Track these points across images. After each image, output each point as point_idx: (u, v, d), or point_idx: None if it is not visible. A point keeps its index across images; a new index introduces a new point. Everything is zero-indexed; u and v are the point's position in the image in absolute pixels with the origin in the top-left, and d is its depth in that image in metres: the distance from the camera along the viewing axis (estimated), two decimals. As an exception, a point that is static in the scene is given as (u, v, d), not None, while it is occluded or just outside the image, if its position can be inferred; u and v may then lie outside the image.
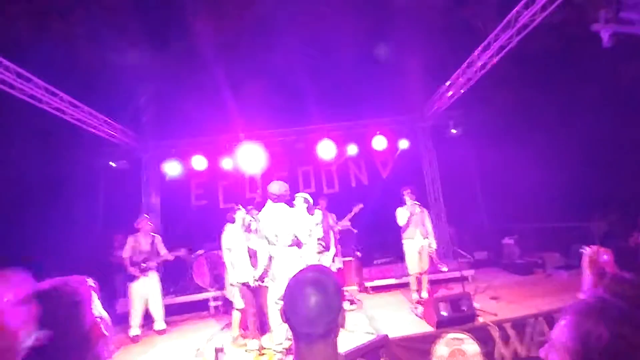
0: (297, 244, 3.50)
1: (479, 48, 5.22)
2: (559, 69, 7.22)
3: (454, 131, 7.48)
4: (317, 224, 4.49)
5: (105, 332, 0.84)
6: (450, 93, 6.50)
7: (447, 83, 6.39)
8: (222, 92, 6.99)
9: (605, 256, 1.48)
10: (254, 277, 4.02)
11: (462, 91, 6.24)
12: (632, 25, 3.47)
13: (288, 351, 3.52)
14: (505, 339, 3.51)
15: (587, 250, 1.51)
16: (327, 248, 4.59)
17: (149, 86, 7.59)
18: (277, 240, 3.53)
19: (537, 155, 7.76)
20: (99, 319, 0.83)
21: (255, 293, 4.21)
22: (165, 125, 7.57)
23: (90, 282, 0.87)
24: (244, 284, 4.09)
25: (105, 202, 7.49)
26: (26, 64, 4.49)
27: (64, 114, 5.21)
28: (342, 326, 0.88)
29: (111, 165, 7.13)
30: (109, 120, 6.15)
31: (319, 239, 4.39)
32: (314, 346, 0.83)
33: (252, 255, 4.20)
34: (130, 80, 7.14)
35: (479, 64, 5.40)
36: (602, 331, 0.64)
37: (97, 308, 0.84)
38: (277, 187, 3.65)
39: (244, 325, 4.48)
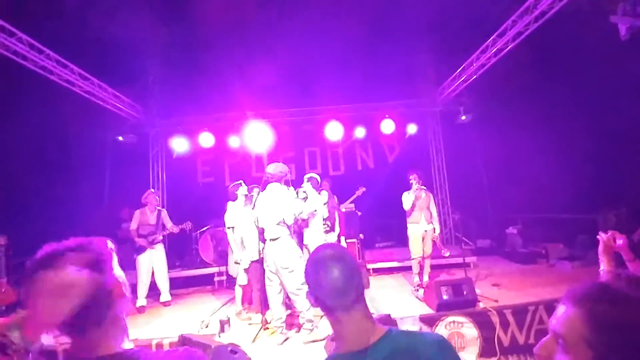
0: (284, 224, 3.54)
1: (495, 34, 5.06)
2: (576, 59, 6.98)
3: (463, 117, 7.36)
4: (324, 204, 4.51)
5: (126, 293, 0.85)
6: (462, 78, 6.34)
7: (460, 68, 6.23)
8: (230, 70, 6.89)
9: (620, 241, 1.47)
10: (259, 252, 4.09)
11: (475, 77, 6.09)
12: None
13: (288, 325, 3.60)
14: (505, 325, 3.56)
15: (602, 236, 1.49)
16: (332, 228, 4.62)
17: (158, 61, 7.51)
18: (264, 219, 3.60)
19: (546, 145, 7.63)
20: (120, 280, 0.84)
21: (262, 269, 4.29)
22: (173, 101, 7.52)
23: (110, 244, 0.87)
24: (252, 261, 4.18)
25: (111, 175, 7.57)
26: (37, 35, 4.45)
27: (73, 85, 5.19)
28: (367, 287, 0.94)
29: (118, 140, 7.15)
30: (117, 94, 6.12)
31: (324, 219, 4.42)
32: (352, 313, 0.89)
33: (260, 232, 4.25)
34: (140, 54, 7.06)
35: (494, 49, 5.25)
36: (614, 315, 0.63)
37: (117, 270, 0.85)
38: (272, 167, 3.68)
39: (249, 300, 4.60)
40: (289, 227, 3.56)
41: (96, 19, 5.46)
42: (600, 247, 1.48)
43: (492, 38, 5.17)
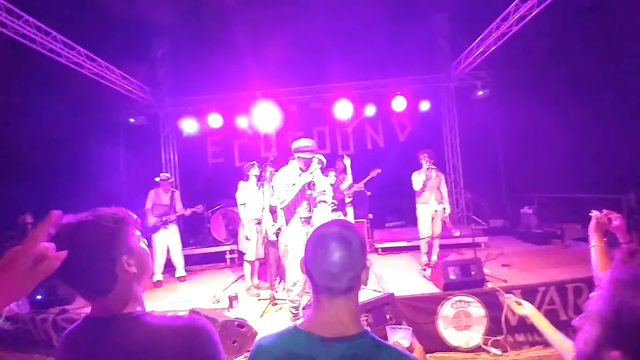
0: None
1: (517, -2, 4.69)
2: (607, 26, 6.45)
3: (480, 93, 7.04)
4: (331, 185, 4.48)
5: (142, 265, 0.88)
6: (480, 50, 5.99)
7: (478, 38, 5.88)
8: (238, 50, 6.77)
9: (617, 221, 1.40)
10: (272, 231, 4.15)
11: (494, 48, 5.74)
12: None
13: (306, 306, 3.59)
14: (513, 305, 3.53)
15: (596, 214, 1.44)
16: (339, 208, 4.62)
17: (166, 42, 7.45)
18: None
19: (568, 122, 7.24)
20: (137, 250, 0.87)
21: (275, 246, 4.38)
22: (181, 82, 7.52)
23: (132, 215, 0.91)
24: (264, 237, 4.27)
25: (125, 156, 7.72)
26: (44, 17, 4.45)
27: (82, 67, 5.23)
28: (365, 283, 0.87)
29: (130, 122, 7.24)
30: (125, 75, 6.14)
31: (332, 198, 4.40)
32: (335, 300, 0.83)
33: (272, 211, 4.31)
34: (148, 35, 7.01)
35: (516, 16, 4.89)
36: (638, 304, 0.60)
37: (136, 240, 0.88)
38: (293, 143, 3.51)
39: (262, 276, 4.73)
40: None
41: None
42: (592, 224, 1.44)
43: (514, 3, 4.80)
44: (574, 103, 7.05)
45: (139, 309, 0.86)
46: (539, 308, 3.50)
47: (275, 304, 3.92)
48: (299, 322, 0.88)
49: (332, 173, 4.60)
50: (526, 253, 5.41)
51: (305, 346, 0.82)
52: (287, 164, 3.50)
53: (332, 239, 0.83)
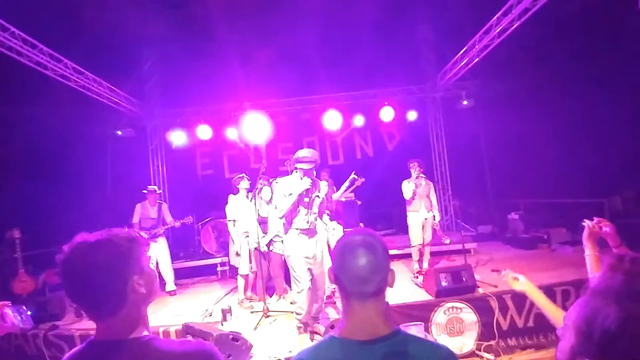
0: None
1: (500, 12, 4.89)
2: (584, 38, 6.77)
3: (465, 103, 7.24)
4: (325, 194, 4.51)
5: (152, 286, 0.88)
6: (464, 61, 6.20)
7: (462, 50, 6.08)
8: (227, 61, 6.81)
9: (607, 229, 1.48)
10: (264, 242, 4.17)
11: (478, 59, 5.95)
12: None
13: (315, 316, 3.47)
14: (504, 310, 3.59)
15: (587, 223, 1.52)
16: (333, 217, 4.63)
17: (153, 54, 7.44)
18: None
19: (550, 129, 7.50)
20: (147, 272, 0.87)
21: (264, 258, 4.36)
22: (169, 93, 7.49)
23: (144, 235, 0.91)
24: (255, 249, 4.25)
25: (113, 169, 7.60)
26: (30, 30, 4.41)
27: (68, 80, 5.18)
28: (391, 285, 0.92)
29: (118, 134, 7.16)
30: (113, 88, 6.09)
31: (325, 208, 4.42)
32: (366, 304, 0.88)
33: (261, 222, 4.30)
34: (135, 47, 7.00)
35: (498, 29, 5.09)
36: (610, 311, 0.62)
37: (145, 261, 0.88)
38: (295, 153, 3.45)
39: (253, 288, 4.69)
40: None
41: (89, 11, 5.40)
42: (585, 233, 1.51)
43: (496, 17, 5.00)
44: (555, 112, 7.33)
45: (146, 332, 0.86)
46: (529, 311, 3.58)
47: (269, 315, 3.88)
48: (332, 332, 0.92)
49: (324, 183, 4.62)
50: (514, 258, 5.52)
51: (344, 352, 0.85)
52: (279, 175, 3.54)
53: (359, 245, 0.88)
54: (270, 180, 4.53)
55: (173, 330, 3.52)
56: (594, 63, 6.75)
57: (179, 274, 5.83)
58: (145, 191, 5.23)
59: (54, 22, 4.93)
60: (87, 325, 3.83)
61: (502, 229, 7.15)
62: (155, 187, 5.45)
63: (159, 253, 5.11)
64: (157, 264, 5.12)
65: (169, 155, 7.62)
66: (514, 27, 4.91)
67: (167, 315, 4.31)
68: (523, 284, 1.55)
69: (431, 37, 7.73)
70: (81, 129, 6.88)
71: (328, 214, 4.48)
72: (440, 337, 3.52)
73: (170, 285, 5.24)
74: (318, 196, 3.41)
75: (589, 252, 1.48)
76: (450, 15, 6.35)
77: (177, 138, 7.10)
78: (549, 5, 4.37)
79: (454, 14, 6.18)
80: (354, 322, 0.89)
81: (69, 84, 5.19)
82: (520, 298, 3.59)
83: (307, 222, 3.29)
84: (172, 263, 5.40)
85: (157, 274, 4.62)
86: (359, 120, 7.35)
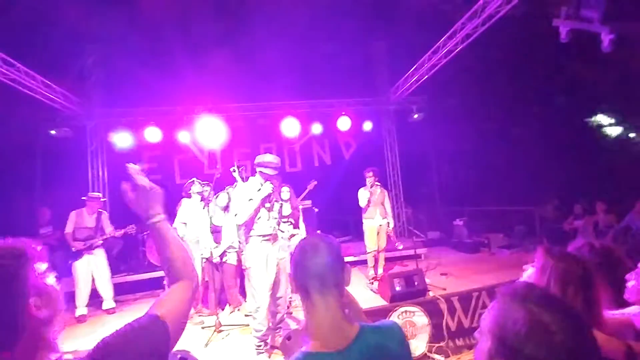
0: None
1: (445, 35, 5.32)
2: (520, 60, 7.60)
3: (416, 116, 7.67)
4: (286, 200, 4.44)
5: (56, 305, 0.73)
6: (415, 78, 6.60)
7: (413, 68, 6.48)
8: (180, 61, 6.49)
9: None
10: (217, 253, 3.97)
11: (427, 77, 6.37)
12: (590, 23, 3.71)
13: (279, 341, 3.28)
14: (452, 311, 3.78)
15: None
16: (296, 225, 4.56)
17: (96, 47, 6.84)
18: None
19: (489, 144, 8.26)
20: (45, 290, 0.72)
21: (217, 269, 4.15)
22: (114, 92, 6.92)
23: (37, 247, 0.74)
24: (207, 259, 4.02)
25: (44, 173, 6.78)
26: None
27: (-6, 72, 4.53)
28: (347, 283, 0.99)
29: (51, 134, 6.41)
30: (48, 83, 5.46)
31: (286, 216, 4.34)
32: (328, 296, 0.92)
33: (214, 231, 4.10)
34: (76, 42, 6.38)
35: (444, 50, 5.51)
36: (519, 315, 0.65)
37: (43, 278, 0.72)
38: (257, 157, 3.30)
39: (204, 301, 4.41)
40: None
41: (24, 1, 4.84)
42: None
43: (442, 40, 5.42)
44: (495, 127, 8.10)
45: (53, 357, 0.72)
46: (474, 312, 3.82)
47: (221, 330, 3.68)
48: (304, 348, 0.90)
49: (285, 189, 4.56)
50: (460, 262, 5.90)
51: None
52: (235, 181, 3.39)
53: (316, 243, 0.96)
54: (226, 187, 4.36)
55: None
56: (530, 85, 7.62)
57: (120, 290, 5.31)
58: (84, 198, 4.72)
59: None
60: None
61: (448, 235, 7.63)
62: (100, 194, 4.96)
63: (95, 266, 4.62)
64: (92, 278, 4.62)
65: (111, 158, 6.96)
66: (458, 49, 5.36)
67: (103, 336, 3.88)
68: None
69: (385, 54, 8.13)
70: (3, 125, 6.06)
71: (292, 223, 4.40)
72: (395, 342, 3.60)
73: (108, 303, 4.75)
74: (277, 201, 3.31)
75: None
76: (404, 33, 6.75)
77: (122, 140, 6.54)
78: (489, 32, 4.85)
79: (407, 34, 6.59)
80: (322, 329, 0.91)
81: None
82: (466, 300, 3.82)
83: (271, 227, 3.15)
84: (112, 277, 4.91)
85: (87, 289, 4.11)
86: (317, 129, 7.42)
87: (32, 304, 0.68)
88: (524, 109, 7.91)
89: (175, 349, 2.72)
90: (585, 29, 3.64)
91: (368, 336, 0.91)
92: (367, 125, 7.71)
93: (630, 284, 1.26)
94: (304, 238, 1.04)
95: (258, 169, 3.17)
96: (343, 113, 7.25)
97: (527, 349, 0.62)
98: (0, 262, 0.66)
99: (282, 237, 3.91)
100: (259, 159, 3.19)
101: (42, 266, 0.73)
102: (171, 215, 4.47)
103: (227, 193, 4.26)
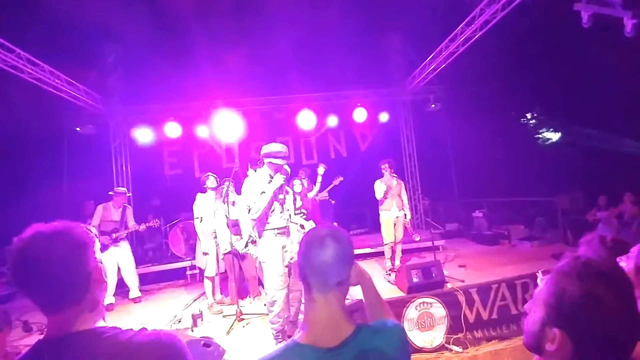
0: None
1: (463, 22, 5.17)
2: (542, 46, 7.29)
3: (433, 106, 7.53)
4: (298, 193, 4.48)
5: (105, 278, 0.88)
6: (432, 67, 6.45)
7: (430, 57, 6.33)
8: (198, 56, 6.59)
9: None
10: (241, 245, 3.99)
11: (444, 65, 6.21)
12: (612, 8, 3.53)
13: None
14: (470, 303, 3.75)
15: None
16: (309, 216, 4.61)
17: (118, 46, 7.04)
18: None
19: (510, 133, 8.01)
20: (100, 264, 0.86)
21: (239, 260, 4.24)
22: (135, 89, 7.11)
23: (94, 230, 0.89)
24: (230, 252, 4.09)
25: (70, 169, 7.09)
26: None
27: (22, 72, 4.75)
28: (354, 283, 0.96)
29: (76, 130, 6.69)
30: (72, 81, 5.68)
31: (299, 208, 4.39)
32: (329, 295, 0.88)
33: (231, 225, 4.19)
34: (98, 40, 6.59)
35: (462, 38, 5.36)
36: (575, 289, 0.69)
37: (98, 255, 0.87)
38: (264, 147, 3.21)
39: (224, 290, 4.55)
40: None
41: (47, 0, 5.01)
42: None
43: (460, 27, 5.26)
44: (513, 116, 7.84)
45: (102, 322, 0.85)
46: (493, 304, 3.78)
47: (242, 319, 3.79)
48: (296, 336, 0.89)
49: (297, 182, 4.60)
50: (479, 253, 5.81)
51: None
52: (249, 174, 3.40)
53: (325, 236, 0.90)
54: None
55: (138, 338, 3.32)
56: (552, 73, 7.31)
57: (145, 280, 5.55)
58: (111, 192, 4.92)
59: (7, 11, 4.52)
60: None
61: (467, 227, 7.51)
62: (125, 189, 5.16)
63: (120, 258, 4.83)
64: (119, 269, 4.83)
65: (134, 153, 7.21)
66: (476, 36, 5.20)
67: (130, 324, 4.06)
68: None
69: (401, 44, 7.97)
70: (35, 124, 6.37)
71: (304, 214, 4.46)
72: (412, 333, 3.62)
73: (134, 292, 4.97)
74: (288, 192, 3.23)
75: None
76: (419, 22, 6.59)
77: (143, 135, 6.75)
78: (509, 19, 4.67)
79: (423, 22, 6.43)
80: (317, 324, 0.88)
81: (22, 76, 4.77)
82: (484, 291, 3.79)
83: (284, 220, 3.09)
84: (137, 268, 5.13)
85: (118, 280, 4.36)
86: (332, 121, 7.40)
87: (95, 271, 0.83)
88: (543, 98, 7.61)
89: (198, 336, 2.82)
90: (608, 14, 3.47)
91: (363, 338, 0.87)
92: (384, 117, 7.63)
93: (622, 264, 1.26)
94: (314, 228, 0.99)
95: (266, 160, 3.03)
96: (359, 104, 7.19)
97: (582, 320, 0.68)
98: (76, 234, 0.81)
99: (297, 230, 3.97)
100: (266, 149, 3.04)
101: (97, 244, 0.87)
102: (191, 209, 4.61)
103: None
